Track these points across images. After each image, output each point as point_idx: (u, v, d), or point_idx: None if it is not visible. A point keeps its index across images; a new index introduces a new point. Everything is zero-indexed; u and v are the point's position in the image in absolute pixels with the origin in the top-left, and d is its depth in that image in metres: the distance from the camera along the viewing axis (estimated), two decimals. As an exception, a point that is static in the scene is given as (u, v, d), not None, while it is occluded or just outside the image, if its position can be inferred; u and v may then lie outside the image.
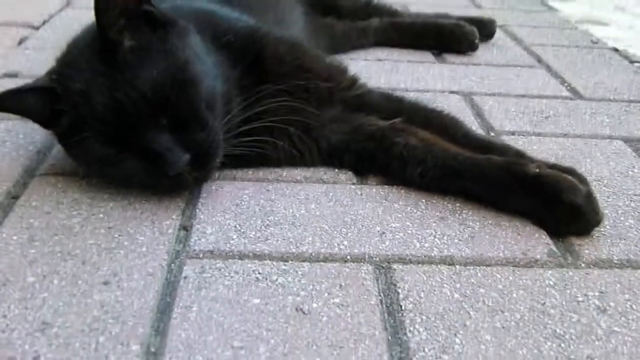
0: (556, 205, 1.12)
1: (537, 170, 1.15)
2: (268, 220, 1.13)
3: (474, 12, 2.38)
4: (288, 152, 1.30)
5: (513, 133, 1.51)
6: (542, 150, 1.43)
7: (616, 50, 2.15)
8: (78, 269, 1.00)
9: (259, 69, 1.29)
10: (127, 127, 1.09)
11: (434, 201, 1.21)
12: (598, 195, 1.21)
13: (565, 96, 1.75)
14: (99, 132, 1.10)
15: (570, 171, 1.20)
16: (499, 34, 2.20)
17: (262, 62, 1.30)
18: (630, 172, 1.35)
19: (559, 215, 1.13)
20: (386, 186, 1.27)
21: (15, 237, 1.07)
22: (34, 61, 1.82)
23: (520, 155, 1.25)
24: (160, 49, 1.14)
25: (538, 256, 1.08)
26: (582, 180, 1.18)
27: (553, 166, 1.22)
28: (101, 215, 1.13)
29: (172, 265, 1.02)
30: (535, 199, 1.15)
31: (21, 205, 1.15)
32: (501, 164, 1.18)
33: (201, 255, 1.04)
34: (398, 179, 1.27)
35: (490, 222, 1.16)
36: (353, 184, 1.28)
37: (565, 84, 1.83)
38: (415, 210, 1.18)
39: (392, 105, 1.37)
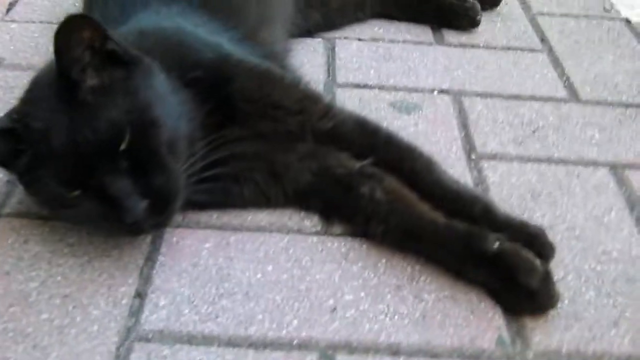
0: (512, 285, 1.12)
1: (497, 244, 1.13)
2: (223, 288, 1.15)
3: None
4: (254, 197, 1.29)
5: (494, 156, 1.47)
6: (519, 183, 1.40)
7: (628, 22, 2.04)
8: (28, 356, 1.02)
9: (226, 107, 1.26)
10: (85, 169, 1.08)
11: (394, 262, 1.21)
12: (565, 252, 1.22)
13: (560, 98, 1.69)
14: (56, 172, 1.10)
15: (536, 236, 1.19)
16: (508, -7, 2.08)
17: (230, 100, 1.27)
18: (605, 218, 1.33)
19: (514, 295, 1.13)
20: (349, 238, 1.26)
21: (-28, 308, 1.08)
22: (20, 41, 1.77)
23: (486, 212, 1.22)
24: (123, 90, 1.11)
25: (486, 345, 1.08)
26: (546, 250, 1.18)
27: (520, 228, 1.20)
28: (59, 278, 1.15)
29: (121, 348, 1.04)
30: (492, 275, 1.14)
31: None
32: (461, 235, 1.17)
33: (150, 336, 1.06)
34: (361, 232, 1.25)
35: (445, 293, 1.16)
36: (317, 233, 1.27)
37: (564, 78, 1.76)
38: (372, 276, 1.18)
39: (366, 140, 1.34)
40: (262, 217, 1.30)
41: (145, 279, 1.16)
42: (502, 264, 1.13)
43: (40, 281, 1.14)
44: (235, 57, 1.33)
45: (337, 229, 1.29)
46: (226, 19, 1.47)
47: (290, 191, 1.30)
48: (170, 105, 1.16)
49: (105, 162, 1.08)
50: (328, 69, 1.75)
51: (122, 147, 1.08)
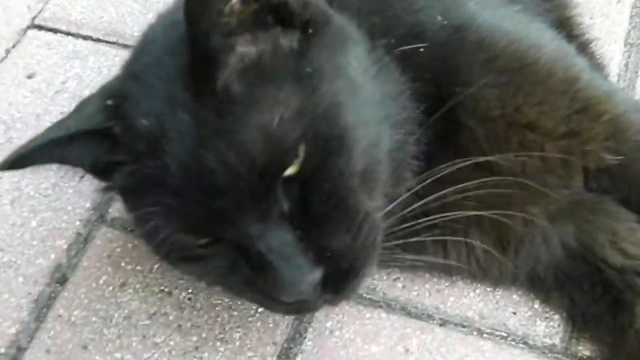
0: None
1: None
2: None
3: None
4: (464, 267, 0.82)
5: None
6: None
7: None
8: None
9: (443, 116, 0.75)
10: (219, 209, 0.63)
11: None
12: None
13: None
14: (171, 207, 0.66)
15: None
16: None
17: (451, 108, 0.74)
18: None
19: None
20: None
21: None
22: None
23: None
24: (292, 73, 0.64)
25: None
26: None
27: None
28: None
29: None
30: None
31: (61, 306, 0.85)
32: None
33: None
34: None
35: None
36: (550, 350, 0.79)
37: None
38: None
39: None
40: (471, 299, 0.83)
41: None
42: None
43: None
44: (477, 26, 0.77)
45: (585, 346, 0.79)
46: None
47: (524, 270, 0.82)
48: (369, 101, 0.68)
49: (254, 199, 0.62)
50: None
51: (286, 174, 0.62)
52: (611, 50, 0.98)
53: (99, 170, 0.74)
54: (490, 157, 0.77)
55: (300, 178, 0.62)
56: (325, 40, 0.67)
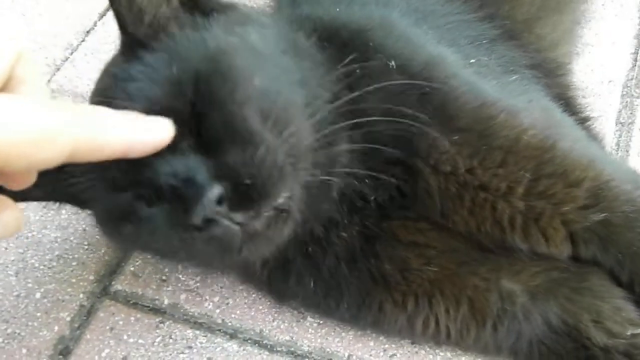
0: None
1: None
2: None
3: None
4: (431, 334, 0.84)
5: None
6: None
7: None
8: None
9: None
10: (137, 159, 0.66)
11: None
12: None
13: None
14: (104, 172, 0.70)
15: None
16: None
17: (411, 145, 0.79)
18: None
19: None
20: None
21: None
22: None
23: None
24: (194, 43, 0.72)
25: None
26: None
27: None
28: None
29: None
30: None
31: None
32: None
33: None
34: None
35: None
36: None
37: None
38: None
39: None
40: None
41: None
42: None
43: None
44: (449, 87, 0.81)
45: None
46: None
47: (506, 344, 0.82)
48: (276, 64, 0.75)
49: None
50: (635, 57, 1.12)
51: (184, 115, 0.67)
52: (603, 129, 1.00)
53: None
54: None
55: (197, 113, 0.67)
56: (226, 18, 0.76)
